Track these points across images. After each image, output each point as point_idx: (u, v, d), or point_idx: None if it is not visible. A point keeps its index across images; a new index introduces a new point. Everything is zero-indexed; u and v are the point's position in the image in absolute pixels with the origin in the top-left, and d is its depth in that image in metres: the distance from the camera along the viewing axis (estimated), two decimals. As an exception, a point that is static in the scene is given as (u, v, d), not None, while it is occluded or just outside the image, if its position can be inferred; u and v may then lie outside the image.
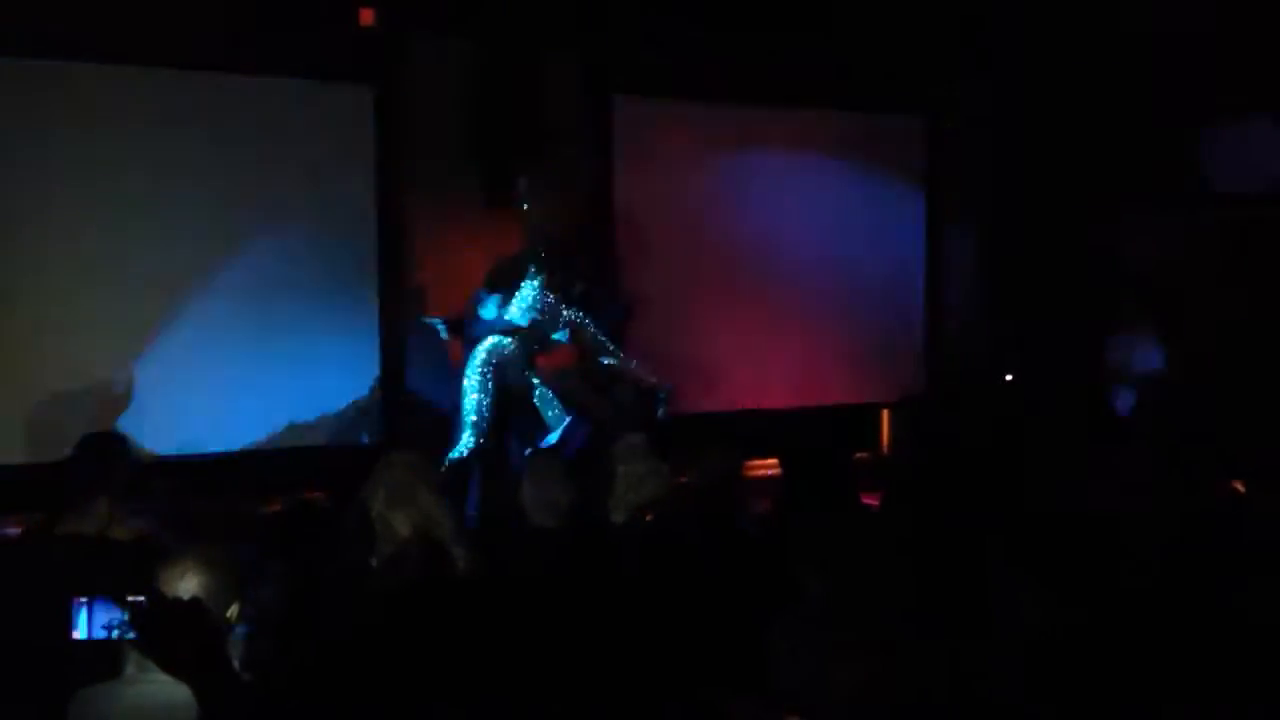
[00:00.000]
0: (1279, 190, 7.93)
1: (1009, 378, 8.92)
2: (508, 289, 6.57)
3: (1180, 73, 7.86)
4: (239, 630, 2.56)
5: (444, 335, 6.95)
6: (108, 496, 3.62)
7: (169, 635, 1.81)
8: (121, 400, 6.57)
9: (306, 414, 7.15)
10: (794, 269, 8.59)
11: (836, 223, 8.75)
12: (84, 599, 2.01)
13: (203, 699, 1.81)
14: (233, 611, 2.42)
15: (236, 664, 2.35)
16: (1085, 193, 8.81)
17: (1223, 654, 2.82)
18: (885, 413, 8.77)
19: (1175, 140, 8.31)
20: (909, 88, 8.71)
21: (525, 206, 6.78)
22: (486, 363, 6.42)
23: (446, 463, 6.16)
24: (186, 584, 2.34)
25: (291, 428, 7.09)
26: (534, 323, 6.52)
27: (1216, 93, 7.94)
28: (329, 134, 7.17)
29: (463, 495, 5.90)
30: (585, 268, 7.05)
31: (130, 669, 2.38)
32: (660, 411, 6.86)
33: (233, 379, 6.92)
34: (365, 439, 7.27)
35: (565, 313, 6.69)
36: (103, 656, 2.38)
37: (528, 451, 6.15)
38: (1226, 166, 8.19)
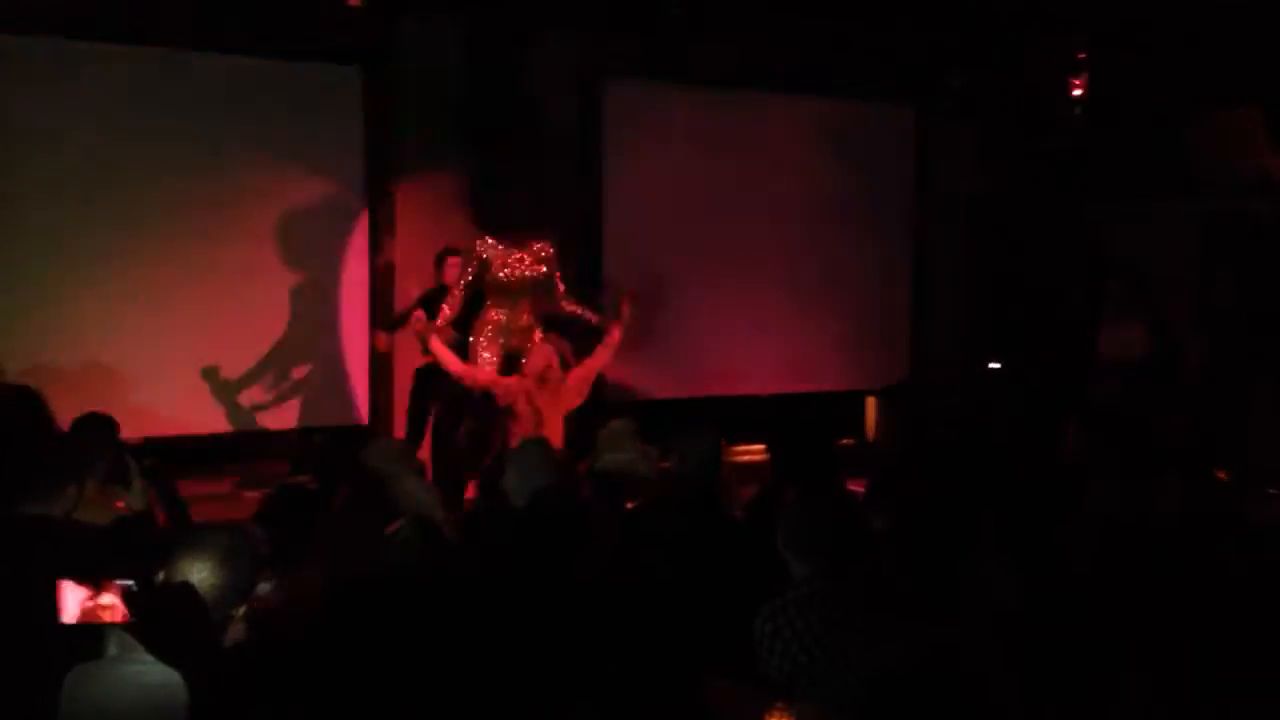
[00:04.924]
0: (1265, 181, 7.96)
1: (994, 366, 8.95)
2: None
3: (1168, 65, 7.88)
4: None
5: None
6: (78, 480, 3.59)
7: (159, 618, 1.81)
8: (109, 380, 6.54)
9: (295, 396, 7.14)
10: (782, 255, 8.60)
11: (825, 209, 8.75)
12: (68, 581, 2.01)
13: (192, 681, 1.81)
14: (240, 612, 2.42)
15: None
16: (1073, 183, 8.84)
17: (1188, 629, 2.86)
18: (871, 400, 8.80)
19: (1163, 131, 8.33)
20: (900, 77, 8.71)
21: None
22: None
23: None
24: (199, 572, 2.32)
25: (280, 410, 7.08)
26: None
27: (1203, 84, 7.96)
28: (317, 114, 7.15)
29: None
30: None
31: (113, 649, 2.38)
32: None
33: (220, 360, 6.91)
34: (354, 421, 7.26)
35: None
36: (84, 637, 2.38)
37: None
38: (1214, 158, 8.21)
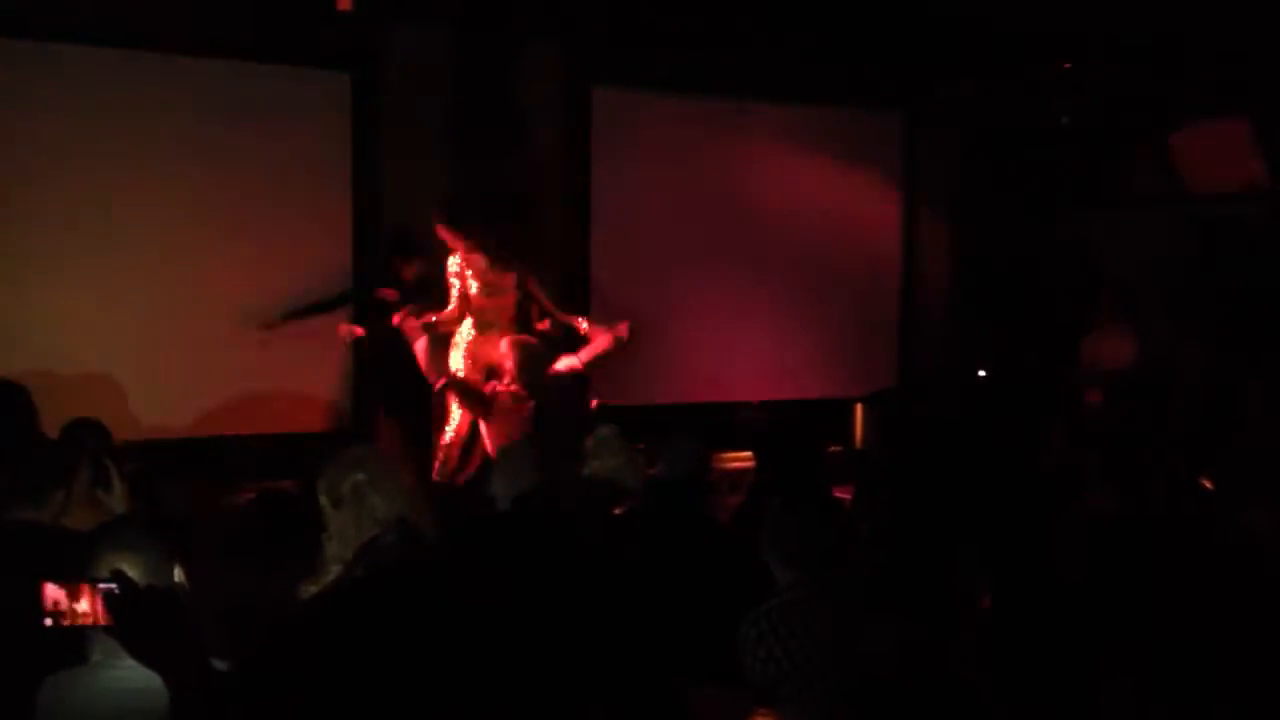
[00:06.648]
0: (1251, 189, 8.00)
1: (981, 374, 8.97)
2: None
3: (1154, 73, 7.91)
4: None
5: None
6: (67, 486, 3.58)
7: (140, 624, 1.80)
8: (94, 384, 6.52)
9: (279, 400, 7.12)
10: (769, 263, 8.60)
11: (812, 218, 8.76)
12: (50, 584, 2.00)
13: (174, 689, 1.80)
14: (178, 574, 2.41)
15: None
16: (1060, 191, 8.87)
17: (1173, 635, 2.86)
18: (858, 407, 8.81)
19: (1149, 140, 8.37)
20: (887, 84, 8.73)
21: None
22: None
23: None
24: (124, 567, 2.31)
25: (264, 414, 7.05)
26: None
27: (1189, 93, 8.00)
28: (306, 121, 7.13)
29: None
30: None
31: (97, 655, 2.37)
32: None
33: (206, 363, 6.88)
34: (339, 427, 7.24)
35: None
36: (68, 643, 2.37)
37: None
38: (1200, 166, 8.25)
